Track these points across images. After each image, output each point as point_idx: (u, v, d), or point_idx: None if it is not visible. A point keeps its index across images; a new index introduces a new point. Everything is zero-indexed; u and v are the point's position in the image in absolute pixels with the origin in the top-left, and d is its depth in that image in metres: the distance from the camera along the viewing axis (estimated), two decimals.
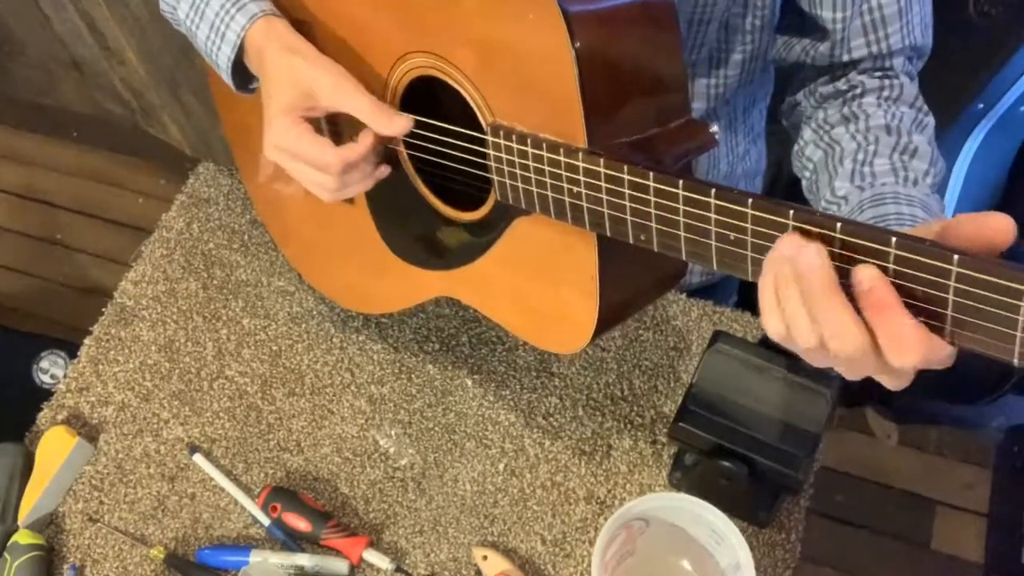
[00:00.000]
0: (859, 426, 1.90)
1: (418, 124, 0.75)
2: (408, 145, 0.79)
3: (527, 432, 0.97)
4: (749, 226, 0.52)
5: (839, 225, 0.48)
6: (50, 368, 1.79)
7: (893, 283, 0.47)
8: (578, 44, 0.59)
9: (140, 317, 1.07)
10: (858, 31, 0.80)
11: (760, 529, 0.90)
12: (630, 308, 0.78)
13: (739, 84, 0.90)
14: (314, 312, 1.07)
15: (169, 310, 1.08)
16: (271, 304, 1.08)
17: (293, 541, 0.91)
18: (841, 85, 0.84)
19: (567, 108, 0.61)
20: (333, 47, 0.77)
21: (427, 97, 0.76)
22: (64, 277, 2.32)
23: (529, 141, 0.64)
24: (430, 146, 0.76)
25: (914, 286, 0.46)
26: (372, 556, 0.89)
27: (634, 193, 0.58)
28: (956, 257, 0.44)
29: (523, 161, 0.65)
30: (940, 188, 0.76)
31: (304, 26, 0.79)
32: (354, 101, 0.73)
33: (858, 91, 0.83)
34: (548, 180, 0.64)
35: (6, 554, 0.89)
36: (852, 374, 0.52)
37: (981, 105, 1.31)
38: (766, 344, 0.85)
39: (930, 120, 0.82)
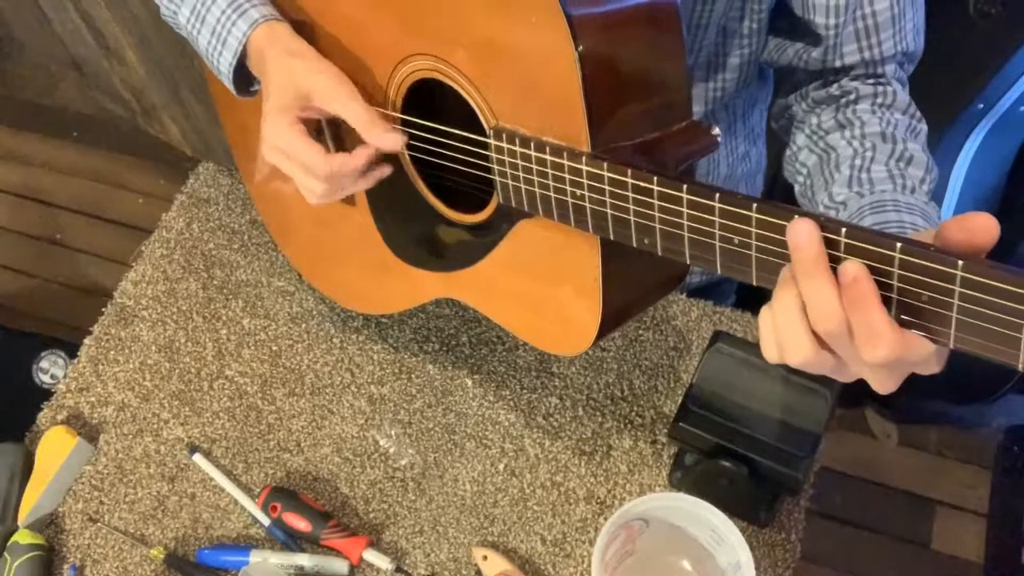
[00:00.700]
0: (859, 426, 1.90)
1: (420, 127, 0.75)
2: (410, 147, 0.78)
3: (527, 432, 0.97)
4: (753, 230, 0.52)
5: (844, 230, 0.48)
6: (50, 368, 1.79)
7: (898, 287, 0.47)
8: (581, 47, 0.58)
9: (140, 317, 1.07)
10: (851, 37, 0.80)
11: (760, 529, 0.90)
12: (633, 310, 0.78)
13: (737, 87, 0.90)
14: (314, 312, 1.07)
15: (169, 310, 1.08)
16: (271, 304, 1.08)
17: (293, 541, 0.91)
18: (834, 91, 0.84)
19: (570, 111, 0.61)
20: (334, 50, 0.77)
21: (429, 99, 0.76)
22: (64, 277, 2.32)
23: (532, 144, 0.64)
24: (432, 148, 0.76)
25: (919, 290, 0.46)
26: (372, 556, 0.89)
27: (638, 197, 0.58)
28: (961, 262, 0.44)
29: (526, 164, 0.65)
30: (935, 193, 0.77)
31: (305, 29, 0.79)
32: (349, 109, 0.73)
33: (852, 97, 0.83)
34: (551, 183, 0.64)
35: (6, 554, 0.89)
36: (842, 373, 0.54)
37: (981, 105, 1.31)
38: None
39: (923, 127, 0.82)
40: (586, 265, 0.67)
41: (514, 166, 0.67)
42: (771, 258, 0.53)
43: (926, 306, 0.46)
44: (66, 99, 2.62)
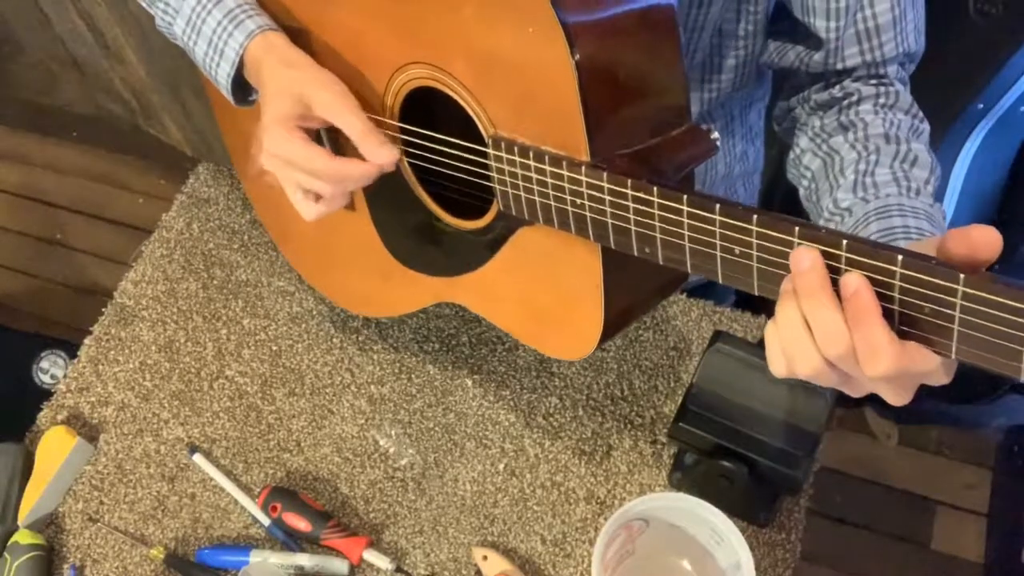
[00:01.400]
0: (859, 426, 1.90)
1: (419, 135, 0.74)
2: (409, 154, 0.78)
3: (527, 432, 0.97)
4: (754, 241, 0.52)
5: (845, 242, 0.48)
6: (50, 368, 1.79)
7: (900, 299, 0.47)
8: (578, 55, 0.58)
9: (140, 317, 1.07)
10: (852, 40, 0.80)
11: (760, 529, 0.90)
12: (635, 314, 0.78)
13: (733, 88, 0.90)
14: (314, 312, 1.07)
15: (169, 310, 1.08)
16: (271, 304, 1.08)
17: (293, 541, 0.91)
18: (836, 92, 0.84)
19: (568, 120, 0.60)
20: (331, 58, 0.77)
21: (427, 106, 0.75)
22: (64, 277, 2.32)
23: (531, 154, 0.64)
24: (431, 156, 0.76)
25: (921, 303, 0.46)
26: (372, 556, 0.89)
27: (638, 207, 0.58)
28: (962, 276, 0.44)
29: (525, 173, 0.65)
30: (938, 192, 0.76)
31: (302, 37, 0.78)
32: (346, 119, 0.72)
33: (854, 98, 0.82)
34: (551, 192, 0.64)
35: (6, 554, 0.89)
36: (853, 388, 0.54)
37: (981, 105, 1.31)
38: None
39: (925, 126, 0.82)
40: (587, 271, 0.67)
41: (513, 175, 0.66)
42: (772, 269, 0.53)
43: (928, 319, 0.46)
44: (66, 99, 2.62)
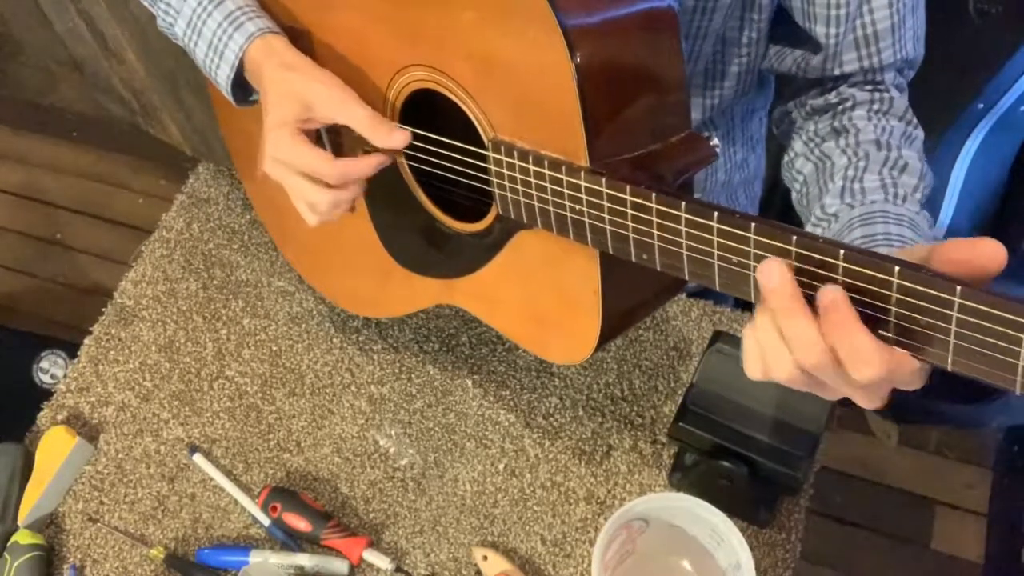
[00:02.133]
0: (859, 426, 1.90)
1: (419, 137, 0.74)
2: (409, 157, 0.78)
3: (527, 432, 0.97)
4: (752, 250, 0.52)
5: (842, 253, 0.48)
6: (50, 368, 1.79)
7: (896, 311, 0.47)
8: (578, 59, 0.58)
9: (140, 317, 1.07)
10: (850, 46, 0.80)
11: (760, 529, 0.90)
12: (632, 319, 0.78)
13: (735, 96, 0.90)
14: (314, 312, 1.07)
15: (169, 310, 1.08)
16: (271, 304, 1.08)
17: (293, 541, 0.91)
18: (832, 98, 0.84)
19: (568, 124, 0.60)
20: (332, 60, 0.77)
21: (427, 109, 0.75)
22: (64, 277, 2.32)
23: (530, 158, 0.64)
24: (431, 159, 0.76)
25: (918, 315, 0.46)
26: (372, 556, 0.89)
27: (636, 214, 0.58)
28: (959, 288, 0.44)
29: (524, 177, 0.65)
30: (936, 193, 0.76)
31: (303, 39, 0.78)
32: (351, 113, 0.72)
33: (848, 104, 0.83)
34: (550, 197, 0.64)
35: (6, 554, 0.89)
36: (827, 393, 0.55)
37: (981, 105, 1.31)
38: None
39: (919, 133, 0.82)
40: (585, 276, 0.67)
41: (513, 179, 0.66)
42: None
43: (924, 330, 0.46)
44: (66, 99, 2.62)
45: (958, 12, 1.30)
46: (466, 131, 0.70)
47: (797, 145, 0.86)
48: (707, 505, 0.80)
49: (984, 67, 1.29)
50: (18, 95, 2.66)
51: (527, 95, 0.63)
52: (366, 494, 0.94)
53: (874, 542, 1.81)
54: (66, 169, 2.51)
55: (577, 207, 0.62)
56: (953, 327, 0.45)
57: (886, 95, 0.82)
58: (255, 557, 0.89)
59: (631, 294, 0.71)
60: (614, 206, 0.59)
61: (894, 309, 0.47)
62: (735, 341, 0.86)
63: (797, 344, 0.51)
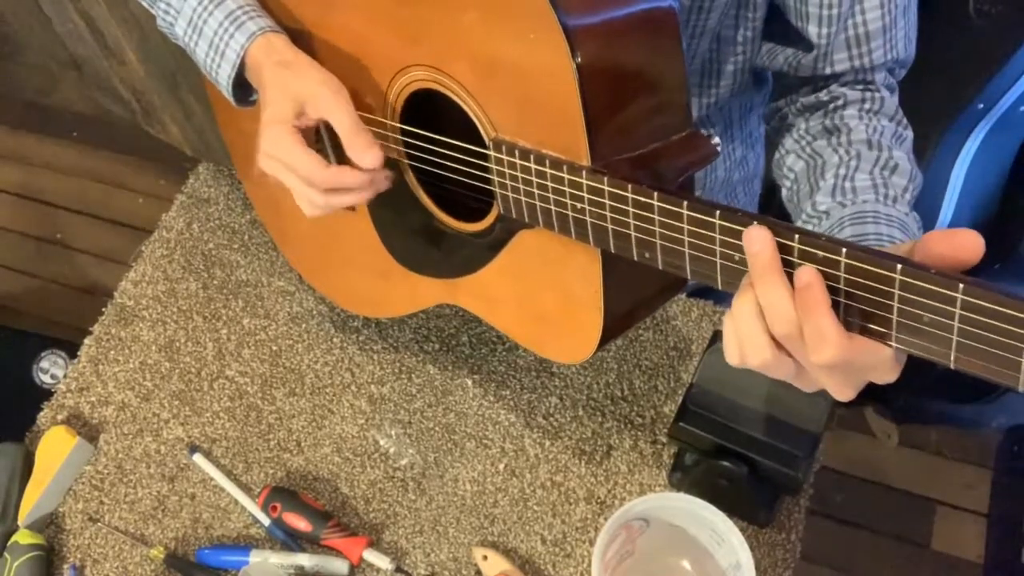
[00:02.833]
0: (859, 426, 1.90)
1: (420, 137, 0.74)
2: (410, 156, 0.78)
3: (527, 432, 0.97)
4: None
5: (845, 251, 0.48)
6: (50, 368, 1.79)
7: (898, 308, 0.47)
8: (579, 59, 0.58)
9: (140, 317, 1.07)
10: (842, 45, 0.80)
11: (760, 529, 0.90)
12: (634, 318, 0.78)
13: (731, 94, 0.90)
14: (314, 312, 1.07)
15: (169, 310, 1.08)
16: (271, 304, 1.08)
17: (293, 541, 0.91)
18: (823, 96, 0.84)
19: (569, 124, 0.60)
20: (333, 59, 0.77)
21: (429, 109, 0.75)
22: (64, 277, 2.32)
23: (532, 157, 0.64)
24: (432, 158, 0.76)
25: (920, 312, 0.46)
26: (372, 556, 0.89)
27: (638, 212, 0.58)
28: (961, 286, 0.44)
29: (526, 177, 0.65)
30: (936, 193, 0.77)
31: (305, 39, 0.78)
32: (338, 116, 0.72)
33: (840, 103, 0.83)
34: (551, 196, 0.64)
35: (6, 554, 0.89)
36: (802, 381, 0.56)
37: (981, 105, 1.31)
38: None
39: (909, 134, 0.83)
40: (587, 275, 0.67)
41: (514, 178, 0.66)
42: None
43: (927, 328, 0.46)
44: (66, 99, 2.62)
45: (958, 12, 1.30)
46: (467, 131, 0.70)
47: (788, 142, 0.86)
48: (707, 505, 0.80)
49: (984, 67, 1.29)
50: (18, 95, 2.66)
51: (528, 95, 0.63)
52: (366, 494, 0.94)
53: (874, 542, 1.81)
54: (66, 169, 2.51)
55: (579, 206, 0.62)
56: (956, 324, 0.45)
57: (877, 95, 0.83)
58: (255, 557, 0.89)
59: (632, 293, 0.71)
60: (616, 205, 0.59)
61: (896, 306, 0.47)
62: None
63: (771, 311, 0.52)
